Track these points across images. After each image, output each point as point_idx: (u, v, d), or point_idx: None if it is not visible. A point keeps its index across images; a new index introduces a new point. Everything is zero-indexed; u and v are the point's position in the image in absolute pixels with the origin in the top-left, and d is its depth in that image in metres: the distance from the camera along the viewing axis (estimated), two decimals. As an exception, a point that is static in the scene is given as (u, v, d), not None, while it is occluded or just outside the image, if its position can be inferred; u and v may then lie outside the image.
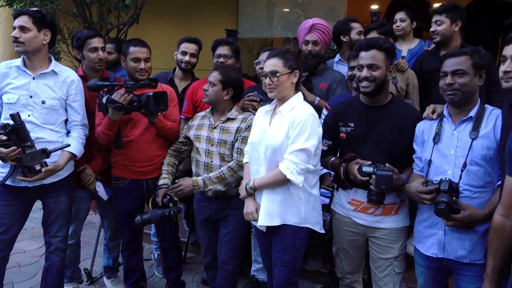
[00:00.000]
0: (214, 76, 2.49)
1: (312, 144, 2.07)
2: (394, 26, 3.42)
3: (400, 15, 3.50)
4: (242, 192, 2.23)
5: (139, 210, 2.73)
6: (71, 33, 4.23)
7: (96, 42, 2.62)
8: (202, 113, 2.66)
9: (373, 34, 2.87)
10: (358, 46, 2.21)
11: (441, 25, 2.92)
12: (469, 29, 3.05)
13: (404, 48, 3.41)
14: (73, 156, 2.43)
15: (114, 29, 4.11)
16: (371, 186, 2.05)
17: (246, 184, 2.20)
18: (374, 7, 5.66)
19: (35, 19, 2.32)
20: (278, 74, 2.11)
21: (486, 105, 1.96)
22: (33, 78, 2.35)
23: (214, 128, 2.51)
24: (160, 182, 2.57)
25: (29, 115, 2.32)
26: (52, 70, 2.40)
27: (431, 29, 2.97)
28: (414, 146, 2.12)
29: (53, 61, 2.44)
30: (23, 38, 2.29)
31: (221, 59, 2.92)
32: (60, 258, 2.58)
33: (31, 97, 2.33)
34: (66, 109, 2.47)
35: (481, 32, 3.95)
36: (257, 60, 2.87)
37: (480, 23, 3.87)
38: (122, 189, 2.69)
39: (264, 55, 2.81)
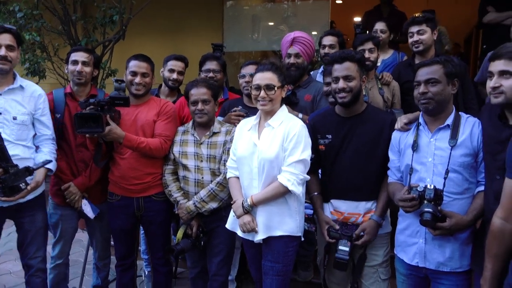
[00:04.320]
0: (205, 92, 2.49)
1: (308, 155, 2.16)
2: None
3: (380, 26, 3.62)
4: (238, 210, 2.22)
5: (132, 228, 2.75)
6: (56, 51, 4.30)
7: (78, 56, 2.65)
8: (181, 128, 2.66)
9: (369, 45, 2.96)
10: (331, 59, 2.28)
11: (424, 34, 3.01)
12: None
13: (379, 58, 3.49)
14: (48, 171, 2.42)
15: (99, 45, 4.17)
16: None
17: (243, 202, 2.20)
18: (357, 19, 5.84)
19: (17, 38, 2.38)
20: (276, 88, 2.17)
21: (461, 113, 2.03)
22: (0, 95, 2.36)
23: (201, 143, 2.54)
24: (186, 210, 2.51)
25: (0, 133, 2.28)
26: (20, 85, 2.41)
27: (414, 39, 3.04)
28: (390, 154, 2.18)
29: (17, 76, 2.46)
30: (10, 56, 2.33)
31: (211, 74, 2.98)
32: (41, 280, 2.55)
33: (0, 114, 2.33)
34: (33, 124, 2.47)
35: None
36: (241, 74, 2.94)
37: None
38: (114, 205, 2.70)
39: (248, 69, 2.88)
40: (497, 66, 1.73)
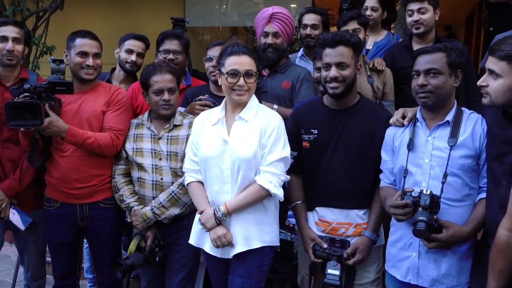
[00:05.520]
0: (171, 79, 2.47)
1: (288, 152, 2.16)
2: None
3: (371, 2, 3.62)
4: (210, 222, 2.14)
5: (74, 240, 2.68)
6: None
7: (7, 30, 2.57)
8: (135, 121, 2.63)
9: (353, 25, 2.96)
10: (322, 42, 2.28)
11: (425, 13, 3.02)
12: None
13: (370, 40, 3.48)
14: None
15: (32, 16, 4.01)
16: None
17: (215, 211, 2.14)
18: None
19: None
20: (255, 76, 2.15)
21: (463, 108, 2.08)
22: None
23: (160, 138, 2.51)
24: (142, 217, 2.47)
25: None
26: None
27: (413, 18, 3.04)
28: (383, 154, 2.21)
29: None
30: None
31: (170, 56, 2.94)
32: None
33: None
34: None
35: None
36: (207, 56, 2.90)
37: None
38: (52, 214, 2.63)
39: (215, 50, 2.83)
40: (489, 61, 1.77)
